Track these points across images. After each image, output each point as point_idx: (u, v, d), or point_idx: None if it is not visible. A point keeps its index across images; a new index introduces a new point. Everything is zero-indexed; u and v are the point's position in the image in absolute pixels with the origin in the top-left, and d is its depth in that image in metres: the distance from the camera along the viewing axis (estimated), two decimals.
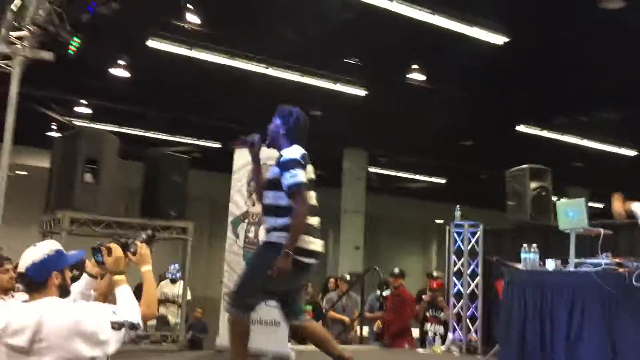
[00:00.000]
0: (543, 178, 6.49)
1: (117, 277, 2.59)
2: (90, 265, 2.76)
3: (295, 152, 3.93)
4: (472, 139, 13.79)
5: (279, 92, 10.45)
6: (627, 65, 8.74)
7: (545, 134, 12.50)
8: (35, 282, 2.35)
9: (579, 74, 9.21)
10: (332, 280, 9.38)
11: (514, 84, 10.02)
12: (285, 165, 3.86)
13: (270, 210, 3.96)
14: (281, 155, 3.96)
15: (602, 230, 4.57)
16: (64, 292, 2.50)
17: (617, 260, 4.15)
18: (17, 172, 13.99)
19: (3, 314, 2.31)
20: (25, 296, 2.45)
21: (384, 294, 8.01)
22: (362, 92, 10.69)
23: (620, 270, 3.96)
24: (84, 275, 2.76)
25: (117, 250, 2.62)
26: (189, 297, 7.19)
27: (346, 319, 8.16)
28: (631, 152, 13.63)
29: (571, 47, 8.39)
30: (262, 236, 4.17)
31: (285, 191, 3.84)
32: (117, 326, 2.34)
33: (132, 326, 2.39)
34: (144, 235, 2.84)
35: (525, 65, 9.14)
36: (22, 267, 2.36)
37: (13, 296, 3.85)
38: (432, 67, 9.71)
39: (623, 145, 13.38)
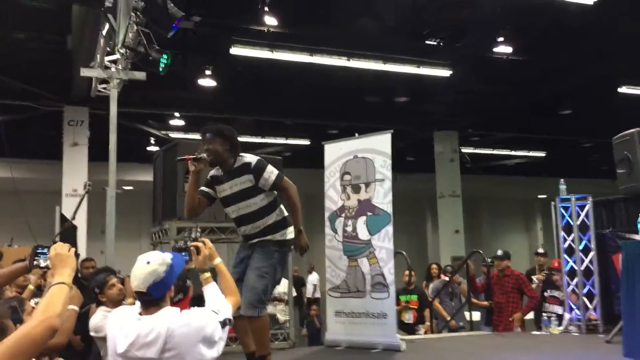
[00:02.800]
0: None
1: (204, 275, 2.69)
2: None
3: (252, 155, 4.20)
4: (570, 107, 13.07)
5: (362, 82, 10.41)
6: None
7: None
8: (156, 298, 2.45)
9: None
10: (434, 266, 9.20)
11: (610, 44, 9.38)
12: (259, 168, 4.06)
13: (258, 215, 4.09)
14: (244, 164, 4.08)
15: None
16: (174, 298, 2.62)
17: None
18: (123, 187, 14.83)
19: (128, 329, 2.42)
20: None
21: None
22: (447, 73, 10.42)
23: None
24: None
25: (204, 249, 2.71)
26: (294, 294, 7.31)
27: (447, 316, 7.96)
28: None
29: None
30: (252, 238, 4.13)
31: (272, 187, 4.08)
32: (222, 325, 2.47)
33: (230, 321, 2.54)
34: (197, 234, 2.95)
35: (619, 22, 8.53)
36: (142, 287, 2.42)
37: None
38: (519, 38, 9.28)
39: None
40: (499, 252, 7.43)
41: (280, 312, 8.51)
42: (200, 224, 5.97)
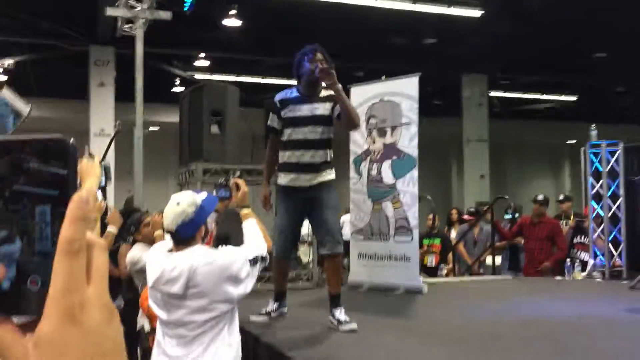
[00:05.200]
0: None
1: (245, 211, 2.73)
2: None
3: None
4: (603, 50, 12.64)
5: (389, 23, 10.16)
6: None
7: None
8: (185, 237, 2.50)
9: None
10: (454, 211, 9.20)
11: None
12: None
13: (324, 143, 4.05)
14: (328, 94, 3.99)
15: None
16: (205, 237, 2.67)
17: None
18: (150, 128, 14.95)
19: (156, 264, 2.50)
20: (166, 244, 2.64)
21: (516, 216, 7.71)
22: (477, 13, 10.11)
23: None
24: None
25: (243, 184, 2.75)
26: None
27: (469, 259, 8.00)
28: None
29: None
30: (311, 170, 3.99)
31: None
32: (252, 262, 2.50)
33: (263, 259, 2.58)
34: (238, 173, 2.99)
35: None
36: (172, 226, 2.48)
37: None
38: None
39: None
40: (540, 197, 7.31)
41: (304, 254, 8.66)
42: (227, 165, 6.02)
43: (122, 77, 11.30)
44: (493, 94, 16.02)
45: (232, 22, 10.33)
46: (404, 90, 5.68)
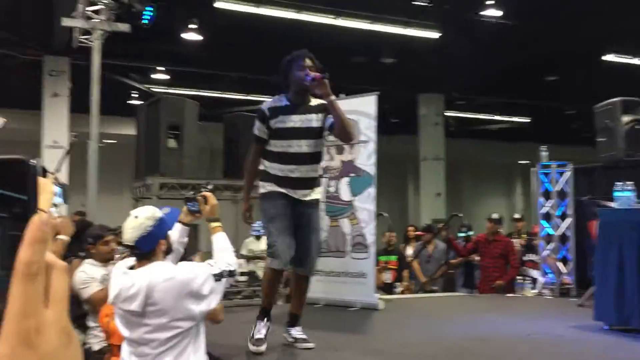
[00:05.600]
0: (636, 110, 6.10)
1: (214, 224, 2.70)
2: (183, 214, 2.85)
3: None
4: (556, 73, 13.09)
5: (349, 42, 10.30)
6: None
7: (636, 61, 11.67)
8: (144, 252, 2.46)
9: None
10: (410, 228, 9.32)
11: (598, 10, 9.34)
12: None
13: (316, 158, 3.89)
14: (320, 103, 3.83)
15: None
16: (168, 252, 2.63)
17: None
18: (105, 140, 14.67)
19: (115, 281, 2.45)
20: (128, 262, 2.58)
21: (469, 233, 7.86)
22: (435, 35, 10.34)
23: None
24: (177, 225, 2.84)
25: (212, 197, 2.73)
26: None
27: (422, 278, 8.11)
28: None
29: None
30: (304, 186, 3.79)
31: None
32: (218, 277, 2.46)
33: (230, 273, 2.53)
34: (210, 186, 3.00)
35: None
36: (130, 240, 2.45)
37: (114, 264, 4.10)
38: (507, 1, 9.21)
39: None
40: (494, 215, 7.48)
41: (260, 269, 8.59)
42: (184, 180, 5.96)
43: (78, 88, 11.08)
44: (449, 113, 16.35)
45: (192, 36, 10.29)
46: (363, 109, 5.74)
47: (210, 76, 13.17)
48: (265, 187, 3.82)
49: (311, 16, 9.37)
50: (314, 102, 3.83)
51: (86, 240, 4.08)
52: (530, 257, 7.27)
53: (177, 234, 2.83)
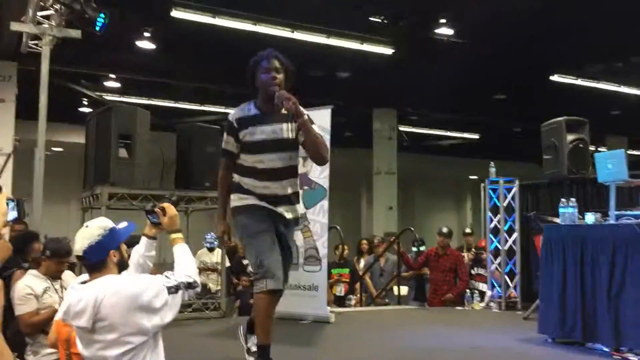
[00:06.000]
0: (580, 130, 6.33)
1: (174, 235, 2.65)
2: (147, 228, 2.80)
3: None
4: (504, 92, 13.48)
5: (305, 55, 10.35)
6: None
7: (580, 82, 12.14)
8: (93, 262, 2.39)
9: (612, 18, 8.86)
10: (363, 242, 9.40)
11: (545, 32, 9.69)
12: None
13: (293, 172, 3.59)
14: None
15: None
16: (122, 266, 2.56)
17: None
18: (53, 148, 14.27)
19: (65, 297, 2.39)
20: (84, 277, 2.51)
21: (421, 248, 7.97)
22: (389, 51, 10.51)
23: None
24: (143, 239, 2.79)
25: (170, 209, 2.67)
26: (227, 264, 7.32)
27: (374, 291, 8.19)
28: None
29: None
30: (282, 202, 3.49)
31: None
32: (173, 290, 2.37)
33: (189, 286, 2.44)
34: (174, 197, 2.94)
35: (556, 11, 8.81)
36: (79, 250, 2.39)
37: (61, 279, 3.99)
38: (460, 21, 9.45)
39: None
40: (444, 229, 7.60)
41: (212, 282, 8.50)
42: (135, 191, 5.84)
43: (25, 94, 10.76)
44: (402, 128, 16.60)
45: (146, 44, 10.15)
46: (317, 122, 5.72)
47: (163, 85, 13.00)
48: (242, 200, 3.48)
49: (268, 29, 9.38)
50: (284, 111, 3.49)
51: (44, 251, 3.95)
52: (478, 271, 7.42)
53: (142, 247, 2.77)
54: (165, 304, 2.33)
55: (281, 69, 3.52)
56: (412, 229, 8.79)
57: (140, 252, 2.76)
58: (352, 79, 12.26)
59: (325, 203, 5.71)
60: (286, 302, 5.69)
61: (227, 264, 7.44)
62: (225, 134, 3.54)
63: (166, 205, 2.71)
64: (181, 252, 2.58)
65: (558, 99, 11.98)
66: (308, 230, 5.75)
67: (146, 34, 9.84)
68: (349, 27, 9.86)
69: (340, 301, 7.54)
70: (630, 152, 15.42)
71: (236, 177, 3.54)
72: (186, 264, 2.52)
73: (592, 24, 9.17)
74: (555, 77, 11.92)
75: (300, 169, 5.87)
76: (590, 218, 4.58)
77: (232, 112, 3.56)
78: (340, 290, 7.67)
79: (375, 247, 8.88)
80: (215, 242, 8.97)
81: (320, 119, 5.80)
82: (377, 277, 8.33)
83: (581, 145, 6.23)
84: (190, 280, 2.45)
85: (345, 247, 8.33)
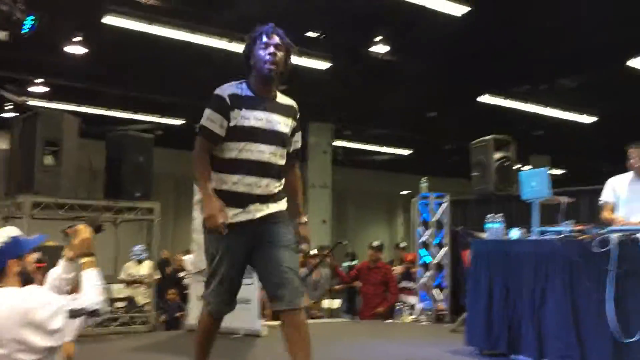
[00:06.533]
0: (506, 148, 6.59)
1: (84, 260, 2.53)
2: (66, 249, 2.68)
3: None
4: (436, 110, 13.87)
5: (243, 67, 10.33)
6: (585, 33, 8.87)
7: (507, 103, 12.65)
8: None
9: (538, 42, 9.31)
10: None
11: (475, 54, 10.07)
12: (299, 122, 3.28)
13: (281, 171, 3.14)
14: (290, 106, 3.26)
15: (563, 199, 4.68)
16: (26, 279, 2.43)
17: (578, 227, 4.25)
18: None
19: None
20: None
21: (352, 263, 8.07)
22: (325, 65, 10.62)
23: (582, 237, 4.06)
24: (61, 261, 2.66)
25: (83, 231, 2.57)
26: (156, 277, 7.14)
27: (307, 303, 8.20)
28: (590, 119, 13.92)
29: (529, 16, 8.46)
30: (265, 200, 2.98)
31: (294, 151, 3.29)
32: (75, 314, 2.27)
33: (93, 313, 2.34)
34: (100, 219, 2.80)
35: (485, 35, 9.18)
36: None
37: None
38: (395, 39, 9.68)
39: (582, 112, 13.65)
40: (375, 243, 7.72)
41: (140, 295, 8.27)
42: (61, 200, 5.63)
43: None
44: (337, 143, 16.77)
45: (76, 49, 9.83)
46: None
47: (94, 92, 12.61)
48: None
49: (205, 38, 9.29)
50: (282, 99, 3.15)
51: None
52: (407, 284, 7.57)
53: (59, 268, 2.66)
54: (62, 326, 2.21)
55: (282, 46, 3.07)
56: (345, 242, 8.87)
57: (57, 272, 2.65)
58: (289, 92, 12.30)
59: None
60: None
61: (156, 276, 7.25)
62: (210, 111, 2.95)
63: (80, 227, 2.58)
64: (89, 277, 2.45)
65: (487, 118, 12.44)
66: None
67: (76, 39, 9.54)
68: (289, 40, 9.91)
69: (274, 314, 7.49)
70: (552, 171, 16.18)
71: (216, 178, 2.97)
72: (93, 291, 2.40)
73: (519, 47, 9.60)
74: (484, 97, 12.37)
75: None
76: (514, 233, 4.76)
77: (222, 87, 3.01)
78: None
79: (308, 260, 8.89)
80: (144, 254, 8.75)
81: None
82: (311, 291, 8.33)
83: (507, 163, 6.49)
84: (96, 308, 2.35)
85: None
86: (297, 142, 3.23)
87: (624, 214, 4.70)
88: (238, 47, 9.64)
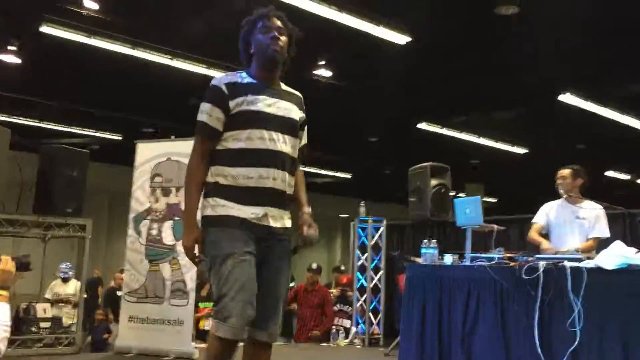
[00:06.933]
0: (443, 175, 6.76)
1: None
2: None
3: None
4: (377, 135, 14.11)
5: (184, 84, 10.22)
6: (518, 69, 9.28)
7: (445, 131, 13.02)
8: None
9: (475, 75, 9.66)
10: None
11: (416, 83, 10.34)
12: (305, 115, 2.93)
13: (294, 165, 2.75)
14: (295, 95, 2.92)
15: (495, 227, 4.84)
16: None
17: (508, 254, 4.40)
18: None
19: None
20: None
21: (290, 285, 8.03)
22: None
23: (512, 264, 4.20)
24: None
25: (5, 263, 2.46)
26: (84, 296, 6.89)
27: None
28: (522, 150, 14.49)
29: (469, 49, 8.78)
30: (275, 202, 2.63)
31: (300, 148, 2.90)
32: None
33: None
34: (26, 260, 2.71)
35: (425, 65, 9.45)
36: None
37: None
38: (338, 64, 9.83)
39: (514, 144, 14.20)
40: (314, 266, 7.71)
41: (66, 315, 7.95)
42: None
43: None
44: None
45: (10, 58, 9.48)
46: (188, 151, 5.69)
47: (28, 103, 12.17)
48: (214, 208, 2.54)
49: (146, 54, 9.15)
50: (288, 88, 2.85)
51: None
52: (342, 307, 7.59)
53: None
54: None
55: (284, 30, 2.75)
56: None
57: None
58: None
59: None
60: (150, 337, 5.47)
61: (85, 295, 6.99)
62: (207, 104, 2.59)
63: (5, 258, 2.49)
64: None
65: (425, 145, 12.76)
66: (177, 263, 5.59)
67: (11, 47, 9.21)
68: (231, 60, 9.88)
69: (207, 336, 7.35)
70: (486, 199, 16.70)
71: (212, 174, 2.59)
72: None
73: (457, 78, 9.93)
74: (422, 125, 12.69)
75: (173, 199, 5.74)
76: (448, 259, 4.86)
77: (217, 78, 2.71)
78: (208, 325, 7.48)
79: None
80: (70, 272, 8.44)
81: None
82: None
83: (443, 190, 6.65)
84: None
85: None
86: (303, 137, 2.88)
87: (555, 238, 5.03)
88: (179, 64, 9.55)
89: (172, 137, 6.08)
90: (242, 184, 2.53)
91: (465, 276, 4.56)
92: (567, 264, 3.89)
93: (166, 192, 5.74)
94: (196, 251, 2.53)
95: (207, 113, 2.58)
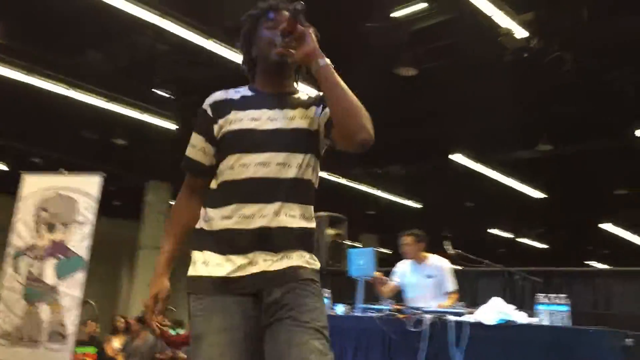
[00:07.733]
0: (339, 226, 6.89)
1: None
2: None
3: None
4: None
5: (81, 116, 9.85)
6: (412, 126, 9.77)
7: (343, 181, 13.34)
8: None
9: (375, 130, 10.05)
10: (120, 319, 8.86)
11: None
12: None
13: (304, 187, 2.06)
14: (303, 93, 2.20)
15: (386, 279, 4.99)
16: None
17: (397, 306, 4.54)
18: None
19: None
20: None
21: (179, 331, 7.78)
22: (172, 126, 10.48)
23: (400, 316, 4.33)
24: None
25: None
26: None
27: None
28: (416, 205, 15.10)
29: (368, 108, 9.14)
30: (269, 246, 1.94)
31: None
32: None
33: None
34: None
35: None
36: None
37: None
38: None
39: (409, 198, 14.78)
40: None
41: None
42: None
43: None
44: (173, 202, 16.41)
45: None
46: (84, 188, 5.47)
47: None
48: (192, 266, 2.04)
49: (42, 82, 8.75)
50: (303, 95, 2.12)
51: None
52: None
53: None
54: None
55: (293, 24, 1.97)
56: (174, 309, 8.55)
57: None
58: (129, 147, 11.91)
59: (81, 275, 5.30)
60: None
61: None
62: (193, 134, 2.11)
63: None
64: None
65: (324, 194, 12.97)
66: (57, 304, 5.26)
67: None
68: (132, 95, 9.66)
69: None
70: (381, 249, 17.14)
71: (202, 217, 2.04)
72: None
73: None
74: (322, 174, 12.94)
75: (58, 236, 5.43)
76: (340, 309, 4.93)
77: (211, 95, 2.14)
78: None
79: (131, 325, 8.41)
80: None
81: (88, 185, 5.51)
82: (130, 358, 7.85)
83: (339, 240, 6.76)
84: None
85: (96, 324, 7.75)
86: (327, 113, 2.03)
87: (410, 298, 5.27)
88: (78, 95, 9.21)
89: (62, 169, 5.79)
90: (218, 227, 1.94)
91: (355, 326, 4.63)
92: (451, 317, 4.06)
93: (52, 228, 5.44)
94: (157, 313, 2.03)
95: (191, 144, 2.11)
